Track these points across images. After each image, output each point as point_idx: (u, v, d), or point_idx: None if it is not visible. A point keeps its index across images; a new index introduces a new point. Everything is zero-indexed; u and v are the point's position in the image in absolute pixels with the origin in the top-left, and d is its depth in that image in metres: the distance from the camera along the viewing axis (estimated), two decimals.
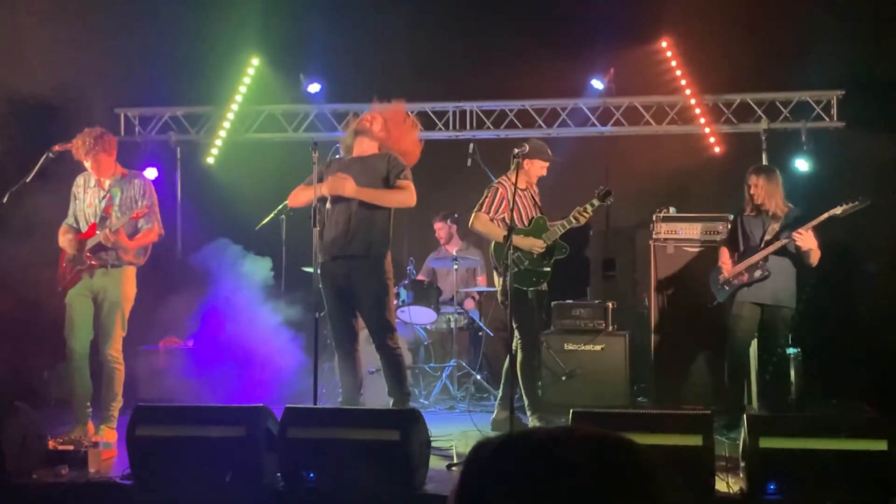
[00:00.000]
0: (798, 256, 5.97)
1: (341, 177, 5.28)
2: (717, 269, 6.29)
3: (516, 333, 5.87)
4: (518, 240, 5.81)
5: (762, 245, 6.05)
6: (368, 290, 5.38)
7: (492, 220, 6.01)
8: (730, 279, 6.14)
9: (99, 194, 5.84)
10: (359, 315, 5.51)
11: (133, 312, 5.99)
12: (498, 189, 6.04)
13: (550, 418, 5.99)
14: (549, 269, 5.99)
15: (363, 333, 5.72)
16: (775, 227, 6.04)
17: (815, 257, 5.91)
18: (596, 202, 5.94)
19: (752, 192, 6.11)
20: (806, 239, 5.81)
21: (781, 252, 5.99)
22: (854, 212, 5.75)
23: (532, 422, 5.88)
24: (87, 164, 5.80)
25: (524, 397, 5.96)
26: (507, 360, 5.84)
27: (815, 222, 5.83)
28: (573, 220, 5.93)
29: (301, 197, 5.53)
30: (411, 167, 5.54)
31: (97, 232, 5.70)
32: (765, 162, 7.79)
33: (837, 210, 5.77)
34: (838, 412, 6.77)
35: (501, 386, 6.11)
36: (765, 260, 6.00)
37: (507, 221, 5.72)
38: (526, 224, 6.01)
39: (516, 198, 5.81)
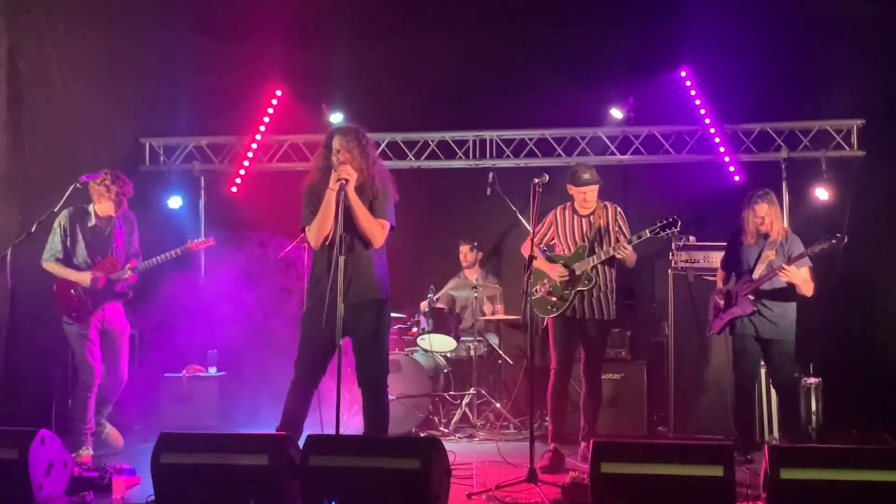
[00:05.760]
0: (792, 287, 5.93)
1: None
2: (715, 294, 6.26)
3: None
4: (540, 264, 5.92)
5: (750, 274, 5.98)
6: (372, 326, 4.96)
7: (538, 245, 6.06)
8: (721, 307, 6.11)
9: (104, 231, 6.16)
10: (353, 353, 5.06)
11: (157, 340, 6.17)
12: (547, 216, 6.18)
13: None
14: (567, 298, 5.94)
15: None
16: (769, 254, 5.99)
17: (807, 288, 5.88)
18: (647, 233, 5.85)
19: (759, 221, 6.01)
20: (792, 274, 5.79)
21: (778, 283, 5.94)
22: (830, 250, 5.73)
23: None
24: (109, 206, 6.09)
25: None
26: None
27: (796, 260, 5.82)
28: (610, 251, 5.89)
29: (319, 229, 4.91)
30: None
31: (124, 267, 6.11)
32: (785, 191, 7.81)
33: (815, 248, 5.76)
34: (859, 442, 6.72)
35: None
36: (755, 294, 5.96)
37: (553, 249, 6.00)
38: (570, 252, 6.07)
39: (565, 224, 6.06)
